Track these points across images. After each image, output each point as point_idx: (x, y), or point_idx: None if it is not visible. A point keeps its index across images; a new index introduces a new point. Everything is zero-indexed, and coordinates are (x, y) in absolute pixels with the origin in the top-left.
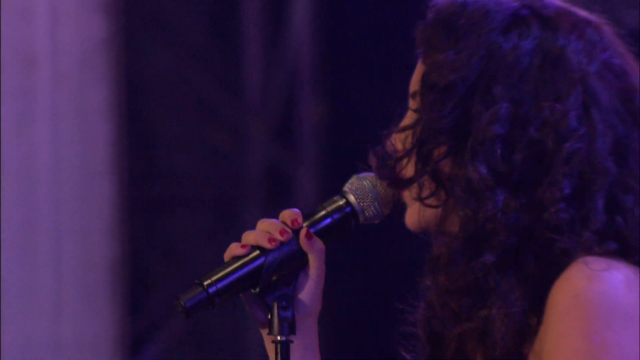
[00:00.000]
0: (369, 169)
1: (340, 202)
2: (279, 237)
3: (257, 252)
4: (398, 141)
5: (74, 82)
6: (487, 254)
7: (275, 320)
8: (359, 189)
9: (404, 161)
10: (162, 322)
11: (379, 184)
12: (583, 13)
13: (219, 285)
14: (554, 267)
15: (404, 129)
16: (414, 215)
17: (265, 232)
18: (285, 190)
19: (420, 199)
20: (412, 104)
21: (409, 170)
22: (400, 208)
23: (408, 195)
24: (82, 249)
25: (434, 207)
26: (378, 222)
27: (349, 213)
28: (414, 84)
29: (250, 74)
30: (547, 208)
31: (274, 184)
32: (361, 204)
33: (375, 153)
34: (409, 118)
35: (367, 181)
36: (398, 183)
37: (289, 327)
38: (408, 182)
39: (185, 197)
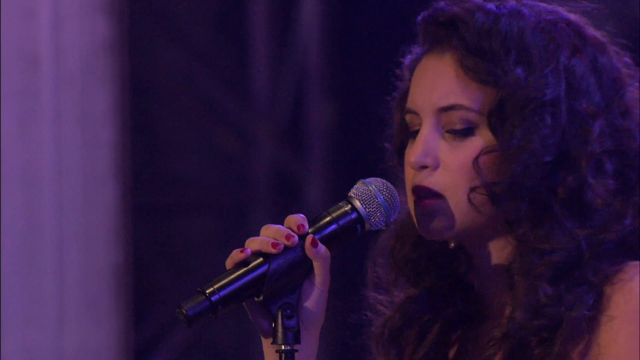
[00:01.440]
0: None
1: (346, 208)
2: (285, 242)
3: (261, 259)
4: (490, 163)
5: (77, 84)
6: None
7: (280, 329)
8: (364, 194)
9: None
10: (167, 331)
11: (385, 189)
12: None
13: (222, 293)
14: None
15: (491, 150)
16: (445, 223)
17: (269, 238)
18: (293, 195)
19: (517, 214)
20: (470, 120)
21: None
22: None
23: (439, 203)
24: (84, 255)
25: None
26: (385, 229)
27: (355, 219)
28: (459, 96)
29: (258, 76)
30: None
31: (281, 188)
32: (367, 209)
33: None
34: (478, 141)
35: (373, 186)
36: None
37: (294, 336)
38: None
39: (191, 202)
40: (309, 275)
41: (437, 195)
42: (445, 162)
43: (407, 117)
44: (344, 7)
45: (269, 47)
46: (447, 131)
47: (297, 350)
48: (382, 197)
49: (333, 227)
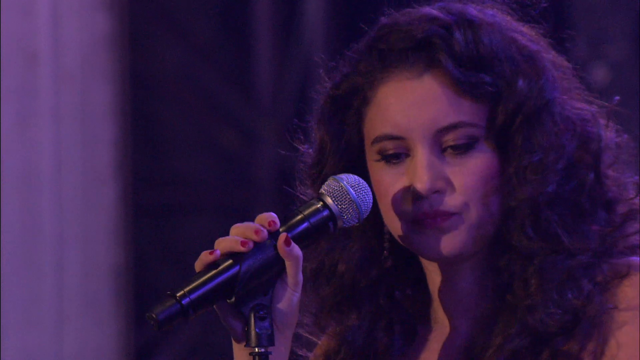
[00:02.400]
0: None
1: (318, 205)
2: (254, 237)
3: (231, 260)
4: (510, 176)
5: (77, 81)
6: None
7: (252, 331)
8: (336, 191)
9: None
10: (168, 332)
11: (357, 185)
12: None
13: (192, 296)
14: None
15: (518, 165)
16: (462, 240)
17: (238, 236)
18: (296, 194)
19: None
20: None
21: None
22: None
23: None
24: (84, 256)
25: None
26: (358, 225)
27: (327, 216)
28: (458, 113)
29: (262, 73)
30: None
31: (285, 187)
32: (339, 206)
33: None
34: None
35: (345, 182)
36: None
37: (268, 339)
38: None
39: (193, 202)
40: (281, 276)
41: (450, 214)
42: (455, 183)
43: (381, 144)
44: (348, 3)
45: (272, 43)
46: (447, 148)
47: (270, 353)
48: (354, 193)
49: (305, 225)
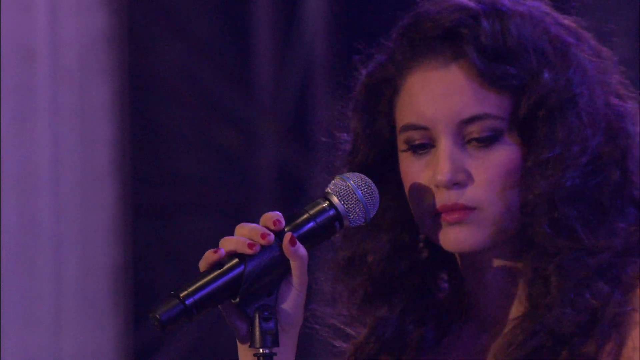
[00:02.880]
0: None
1: (324, 205)
2: (260, 241)
3: (236, 260)
4: (531, 170)
5: (75, 79)
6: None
7: (257, 331)
8: (342, 190)
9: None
10: (168, 333)
11: (363, 185)
12: None
13: (196, 296)
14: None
15: (535, 159)
16: (478, 234)
17: (245, 238)
18: (297, 193)
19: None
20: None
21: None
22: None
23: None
24: (83, 255)
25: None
26: (364, 225)
27: (333, 216)
28: (482, 105)
29: (262, 71)
30: None
31: (286, 187)
32: (345, 206)
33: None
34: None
35: (351, 181)
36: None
37: (272, 339)
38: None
39: (193, 201)
40: (286, 276)
41: (470, 208)
42: (477, 176)
43: (408, 133)
44: (349, 2)
45: (273, 41)
46: (471, 140)
47: (275, 354)
48: (360, 192)
49: (311, 224)
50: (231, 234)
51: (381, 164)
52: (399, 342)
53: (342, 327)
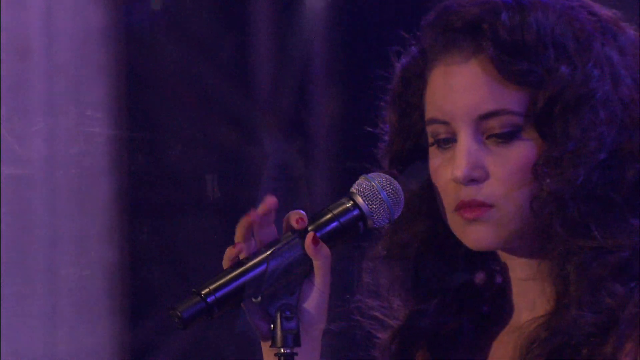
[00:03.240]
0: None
1: (348, 204)
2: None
3: (258, 258)
4: (546, 168)
5: (71, 75)
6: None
7: (279, 331)
8: (367, 190)
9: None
10: (164, 333)
11: (388, 185)
12: None
13: (218, 294)
14: None
15: (548, 156)
16: (496, 232)
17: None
18: (297, 191)
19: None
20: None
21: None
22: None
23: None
24: (78, 254)
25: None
26: (389, 226)
27: (357, 216)
28: (500, 100)
29: (260, 68)
30: None
31: (284, 185)
32: (370, 206)
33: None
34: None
35: (376, 182)
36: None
37: (294, 339)
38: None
39: (189, 200)
40: (308, 275)
41: (487, 205)
42: (495, 173)
43: (433, 126)
44: (348, 3)
45: (271, 37)
46: (490, 136)
47: (296, 354)
48: (385, 193)
49: (334, 224)
50: (230, 233)
51: (416, 156)
52: (435, 334)
53: (384, 319)
